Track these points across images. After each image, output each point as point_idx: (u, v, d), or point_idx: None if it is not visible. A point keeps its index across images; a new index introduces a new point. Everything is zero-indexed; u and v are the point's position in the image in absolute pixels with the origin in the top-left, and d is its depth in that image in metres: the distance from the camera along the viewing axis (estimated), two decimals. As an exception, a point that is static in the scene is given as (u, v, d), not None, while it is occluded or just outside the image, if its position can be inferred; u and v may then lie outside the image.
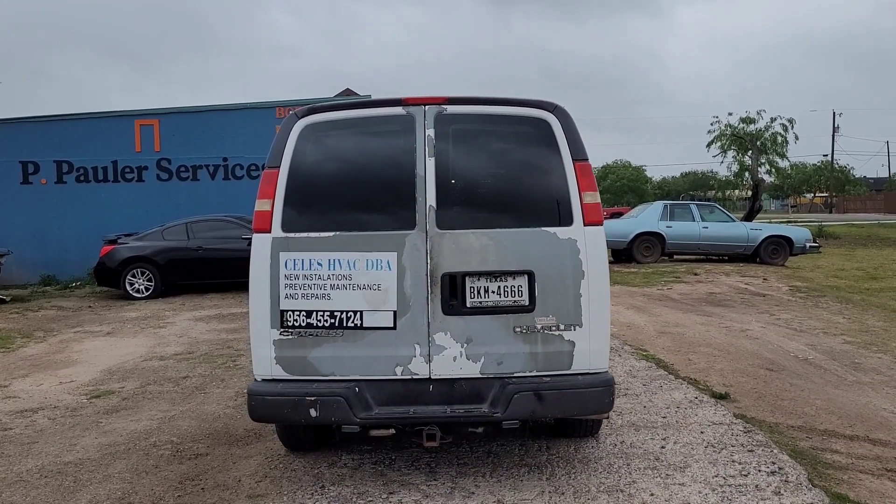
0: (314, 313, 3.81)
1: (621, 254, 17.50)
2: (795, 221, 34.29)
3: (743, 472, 4.15)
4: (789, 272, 15.59)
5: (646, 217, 17.95)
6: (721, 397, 5.73)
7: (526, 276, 3.81)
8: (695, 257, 17.96)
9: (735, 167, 30.29)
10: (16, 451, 4.91)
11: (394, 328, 3.78)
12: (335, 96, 19.96)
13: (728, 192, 51.60)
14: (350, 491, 4.02)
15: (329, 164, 4.02)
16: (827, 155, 65.28)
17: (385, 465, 4.41)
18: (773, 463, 4.28)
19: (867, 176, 76.74)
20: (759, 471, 4.17)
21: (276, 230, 3.85)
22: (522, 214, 3.91)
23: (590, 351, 3.81)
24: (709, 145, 29.28)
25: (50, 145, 16.39)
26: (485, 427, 3.96)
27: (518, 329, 3.80)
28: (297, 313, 3.81)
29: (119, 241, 13.34)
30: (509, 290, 3.82)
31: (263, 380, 3.86)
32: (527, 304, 3.80)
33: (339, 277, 3.81)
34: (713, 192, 59.42)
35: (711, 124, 29.06)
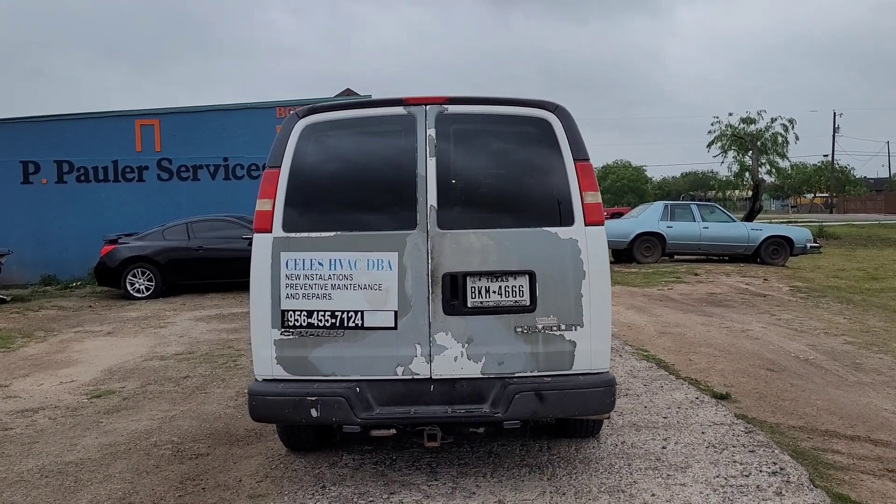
0: (315, 313, 3.80)
1: (622, 254, 17.49)
2: (796, 222, 34.29)
3: (744, 473, 4.15)
4: (790, 272, 15.59)
5: (646, 217, 17.95)
6: (722, 398, 5.72)
7: (527, 276, 3.80)
8: (695, 257, 17.96)
9: (735, 167, 30.30)
10: (16, 451, 4.91)
11: (395, 328, 3.78)
12: (335, 96, 19.96)
13: (728, 193, 51.57)
14: (351, 491, 4.01)
15: (330, 164, 4.02)
16: (827, 155, 65.36)
17: (386, 465, 4.40)
18: (775, 463, 4.27)
19: (867, 176, 76.81)
20: (761, 471, 4.17)
21: (277, 230, 3.85)
22: (523, 214, 3.90)
23: (591, 351, 3.81)
24: (709, 145, 29.28)
25: (50, 145, 16.40)
26: (486, 427, 3.95)
27: (519, 329, 3.79)
28: (298, 313, 3.81)
29: (119, 240, 13.34)
30: (510, 290, 3.82)
31: (264, 380, 3.85)
32: (528, 304, 3.80)
33: (340, 277, 3.80)
34: (713, 192, 59.37)
35: (712, 124, 29.07)
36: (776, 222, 26.01)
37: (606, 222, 4.07)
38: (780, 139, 27.99)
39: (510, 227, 3.86)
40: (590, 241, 3.83)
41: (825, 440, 4.79)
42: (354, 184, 3.99)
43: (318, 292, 3.80)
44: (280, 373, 3.83)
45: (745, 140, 28.08)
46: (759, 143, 27.83)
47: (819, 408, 5.52)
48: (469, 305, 3.79)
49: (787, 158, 29.83)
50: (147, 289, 13.09)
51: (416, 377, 3.78)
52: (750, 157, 28.06)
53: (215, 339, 8.93)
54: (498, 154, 4.08)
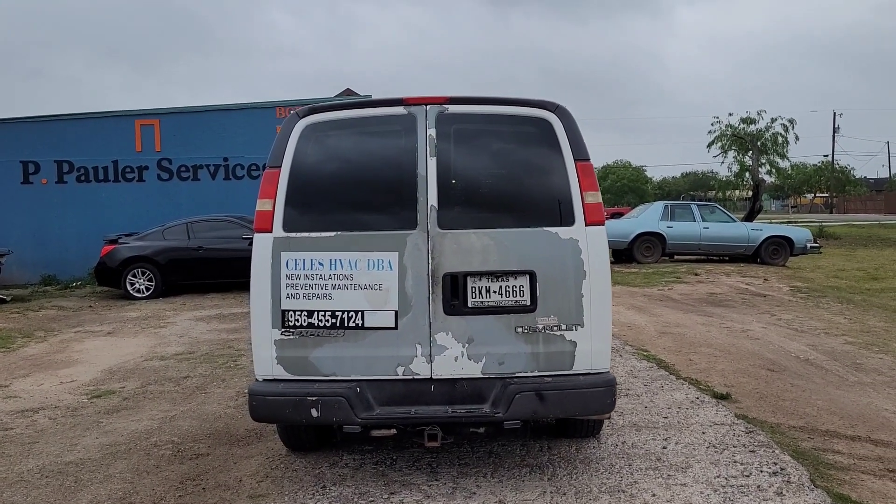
0: (315, 313, 3.80)
1: (622, 254, 17.49)
2: (796, 222, 34.29)
3: (745, 473, 4.15)
4: (790, 272, 15.59)
5: (646, 217, 17.94)
6: (722, 398, 5.72)
7: (527, 276, 3.80)
8: (695, 257, 17.96)
9: (735, 167, 30.28)
10: (17, 451, 4.91)
11: (395, 328, 3.78)
12: (336, 96, 19.96)
13: (728, 193, 51.55)
14: (351, 491, 4.01)
15: (330, 164, 4.01)
16: (827, 155, 65.34)
17: (386, 465, 4.40)
18: (775, 463, 4.27)
19: (867, 176, 76.78)
20: (761, 471, 4.16)
21: (278, 230, 3.85)
22: (524, 214, 3.90)
23: (591, 351, 3.81)
24: (709, 146, 29.26)
25: (50, 145, 16.39)
26: (486, 427, 3.95)
27: (520, 329, 3.79)
28: (299, 313, 3.81)
29: (120, 240, 13.34)
30: (511, 290, 3.81)
31: (265, 380, 3.85)
32: (528, 304, 3.80)
33: (341, 277, 3.80)
34: (713, 192, 59.36)
35: (712, 125, 29.06)
36: (776, 222, 26.01)
37: (606, 222, 4.07)
38: (780, 139, 28.00)
39: (511, 227, 3.86)
40: (590, 241, 3.83)
41: (826, 440, 4.79)
42: (355, 184, 3.99)
43: (318, 292, 3.80)
44: (280, 373, 3.82)
45: (745, 140, 28.07)
46: (759, 144, 27.83)
47: (819, 408, 5.52)
48: (469, 305, 3.79)
49: (788, 158, 29.86)
50: (147, 289, 13.08)
51: (416, 377, 3.78)
52: (750, 157, 28.06)
53: (215, 339, 8.92)
54: (498, 154, 4.08)
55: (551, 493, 3.93)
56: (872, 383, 6.28)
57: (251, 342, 3.93)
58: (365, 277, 3.79)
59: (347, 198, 3.97)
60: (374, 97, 4.95)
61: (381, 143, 4.06)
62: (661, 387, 6.11)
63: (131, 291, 13.03)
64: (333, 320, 3.80)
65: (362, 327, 3.79)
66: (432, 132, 3.89)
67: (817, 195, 71.19)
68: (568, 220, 3.84)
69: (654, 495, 3.87)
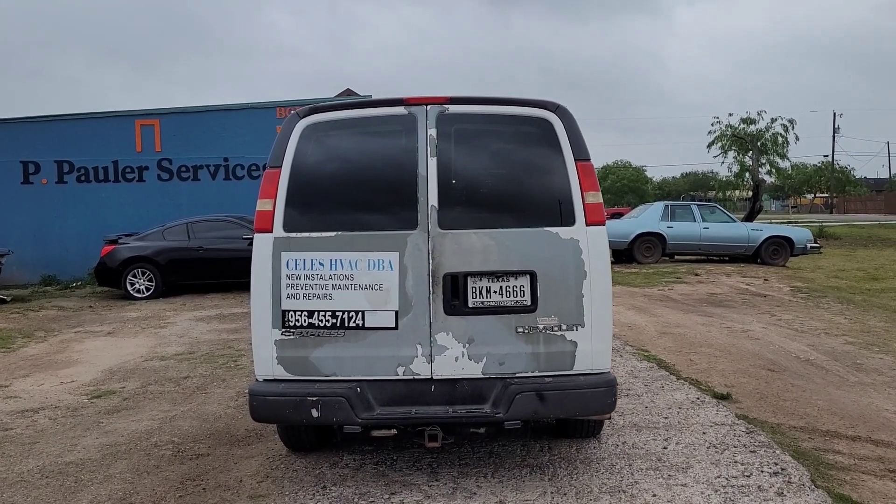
0: (316, 313, 3.80)
1: (622, 254, 17.48)
2: (796, 222, 34.28)
3: (745, 473, 4.14)
4: (790, 273, 15.58)
5: (646, 217, 17.94)
6: (723, 398, 5.72)
7: (528, 277, 3.80)
8: (695, 258, 17.96)
9: (736, 168, 30.28)
10: (17, 451, 4.91)
11: (395, 328, 3.78)
12: (336, 96, 19.97)
13: (729, 193, 51.55)
14: (352, 491, 4.01)
15: (331, 164, 4.01)
16: (827, 155, 65.34)
17: (387, 465, 4.40)
18: (776, 464, 4.27)
19: (867, 176, 76.76)
20: (762, 472, 4.16)
21: (278, 230, 3.84)
22: (524, 214, 3.90)
23: (592, 351, 3.80)
24: (709, 146, 29.27)
25: (50, 145, 16.39)
26: (487, 427, 3.95)
27: (520, 329, 3.79)
28: (299, 313, 3.80)
29: (120, 241, 13.34)
30: (511, 290, 3.81)
31: (265, 380, 3.85)
32: (529, 304, 3.79)
33: (341, 277, 3.80)
34: (714, 192, 59.36)
35: (712, 125, 29.07)
36: (776, 222, 26.01)
37: (607, 222, 4.07)
38: (780, 139, 28.01)
39: (511, 227, 3.86)
40: (591, 242, 3.82)
41: (826, 440, 4.78)
42: (355, 184, 3.99)
43: (318, 292, 3.80)
44: (281, 373, 3.82)
45: (745, 140, 28.08)
46: (759, 144, 27.83)
47: (820, 408, 5.51)
48: (470, 305, 3.79)
49: (788, 159, 29.87)
50: (147, 289, 13.08)
51: (416, 377, 3.78)
52: (750, 157, 28.06)
53: (216, 340, 8.92)
54: (499, 154, 4.07)
55: (552, 493, 3.93)
56: (873, 383, 6.28)
57: (251, 342, 3.92)
58: (365, 277, 3.79)
59: (348, 198, 3.97)
60: (375, 97, 4.94)
61: (382, 144, 4.06)
62: (661, 387, 6.11)
63: (131, 291, 13.03)
64: (334, 320, 3.79)
65: (363, 327, 3.79)
66: (433, 132, 3.89)
67: (817, 195, 71.19)
68: (568, 220, 3.84)
69: (654, 495, 3.87)
